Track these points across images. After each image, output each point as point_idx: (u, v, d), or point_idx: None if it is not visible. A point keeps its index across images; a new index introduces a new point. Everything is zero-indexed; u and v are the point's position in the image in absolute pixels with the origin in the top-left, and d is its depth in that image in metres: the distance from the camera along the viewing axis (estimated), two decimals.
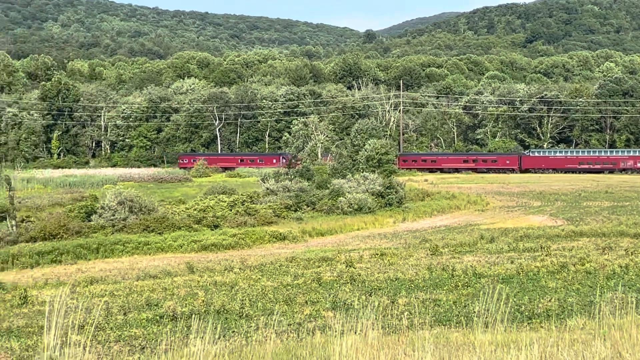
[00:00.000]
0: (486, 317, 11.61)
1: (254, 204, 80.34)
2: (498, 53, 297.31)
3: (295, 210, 77.81)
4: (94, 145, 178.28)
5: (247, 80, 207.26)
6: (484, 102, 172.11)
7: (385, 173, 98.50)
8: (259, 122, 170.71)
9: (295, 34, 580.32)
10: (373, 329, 10.15)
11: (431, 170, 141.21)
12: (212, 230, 65.69)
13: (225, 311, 26.14)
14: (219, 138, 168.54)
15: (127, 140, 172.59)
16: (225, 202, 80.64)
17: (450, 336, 14.34)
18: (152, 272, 43.84)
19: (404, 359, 9.68)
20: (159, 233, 63.14)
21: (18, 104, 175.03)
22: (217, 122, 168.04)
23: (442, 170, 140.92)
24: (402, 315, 15.12)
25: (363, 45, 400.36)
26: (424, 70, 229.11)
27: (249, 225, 67.87)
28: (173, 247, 58.48)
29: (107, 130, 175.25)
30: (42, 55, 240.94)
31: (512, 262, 35.96)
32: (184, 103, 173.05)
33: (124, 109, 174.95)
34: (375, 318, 10.37)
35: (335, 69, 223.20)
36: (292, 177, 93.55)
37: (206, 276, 39.76)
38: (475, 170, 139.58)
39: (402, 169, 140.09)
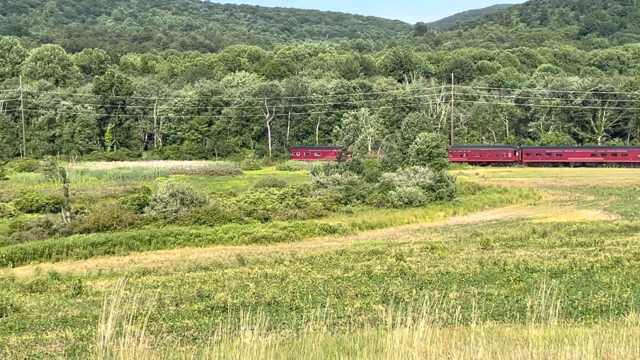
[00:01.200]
0: (539, 312, 11.49)
1: (304, 196, 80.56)
2: (551, 45, 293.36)
3: (345, 204, 77.81)
4: (146, 138, 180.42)
5: (298, 73, 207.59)
6: (537, 95, 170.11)
7: (436, 166, 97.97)
8: (309, 115, 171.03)
9: (346, 27, 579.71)
10: (424, 323, 10.10)
11: (555, 164, 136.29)
12: (263, 222, 66.01)
13: (275, 303, 26.27)
14: (269, 131, 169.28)
15: (178, 133, 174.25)
16: (275, 195, 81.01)
17: (503, 331, 14.22)
18: (204, 264, 44.21)
19: (456, 352, 9.63)
20: (210, 225, 63.64)
21: (72, 97, 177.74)
22: (268, 115, 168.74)
23: (567, 165, 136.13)
24: (454, 310, 15.03)
25: (414, 37, 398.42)
26: (475, 62, 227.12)
27: (299, 218, 68.05)
28: (224, 240, 58.90)
29: (159, 123, 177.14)
30: (96, 48, 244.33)
31: (565, 257, 35.54)
32: (234, 96, 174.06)
33: (175, 102, 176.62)
34: (427, 312, 10.33)
35: (386, 61, 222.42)
36: (342, 170, 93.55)
37: (257, 268, 39.98)
38: (602, 164, 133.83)
39: (525, 163, 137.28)
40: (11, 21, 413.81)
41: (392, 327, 10.13)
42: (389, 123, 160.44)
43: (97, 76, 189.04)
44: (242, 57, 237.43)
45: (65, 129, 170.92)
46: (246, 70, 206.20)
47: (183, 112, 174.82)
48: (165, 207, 68.67)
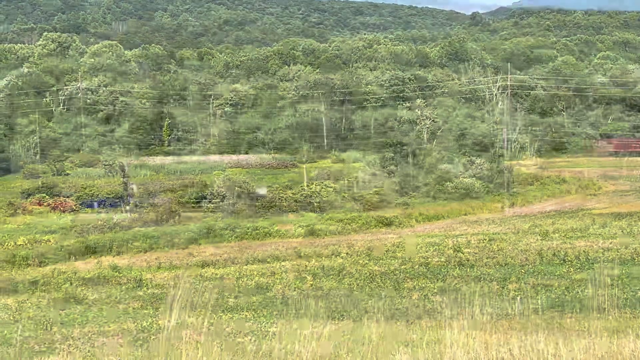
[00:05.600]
0: (600, 303, 11.34)
1: (359, 189, 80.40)
2: (610, 33, 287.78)
3: (401, 196, 77.46)
4: (202, 132, 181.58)
5: (352, 66, 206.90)
6: (596, 84, 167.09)
7: (492, 158, 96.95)
8: (364, 107, 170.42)
9: (400, 19, 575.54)
10: (483, 314, 10.03)
11: None
12: (319, 215, 66.09)
13: (333, 295, 26.32)
14: (324, 124, 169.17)
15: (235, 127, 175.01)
16: (331, 187, 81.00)
17: (563, 321, 14.06)
18: (261, 257, 44.46)
19: (516, 343, 9.55)
20: (267, 218, 63.97)
21: (130, 93, 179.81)
22: (323, 108, 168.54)
23: None
24: (513, 301, 14.90)
25: (469, 28, 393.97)
26: (532, 52, 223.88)
27: (355, 211, 67.98)
28: (280, 232, 59.13)
29: (215, 117, 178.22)
30: (153, 45, 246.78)
31: (626, 247, 34.98)
32: (290, 90, 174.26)
33: (231, 97, 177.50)
34: (485, 303, 10.25)
35: (441, 52, 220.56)
36: (398, 162, 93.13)
37: (314, 261, 40.09)
38: None
39: None
40: (70, 19, 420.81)
41: (451, 318, 10.09)
42: (444, 114, 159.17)
43: (154, 72, 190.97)
44: (297, 51, 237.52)
45: (124, 124, 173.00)
46: (301, 64, 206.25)
47: (239, 106, 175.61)
48: (223, 201, 69.20)
